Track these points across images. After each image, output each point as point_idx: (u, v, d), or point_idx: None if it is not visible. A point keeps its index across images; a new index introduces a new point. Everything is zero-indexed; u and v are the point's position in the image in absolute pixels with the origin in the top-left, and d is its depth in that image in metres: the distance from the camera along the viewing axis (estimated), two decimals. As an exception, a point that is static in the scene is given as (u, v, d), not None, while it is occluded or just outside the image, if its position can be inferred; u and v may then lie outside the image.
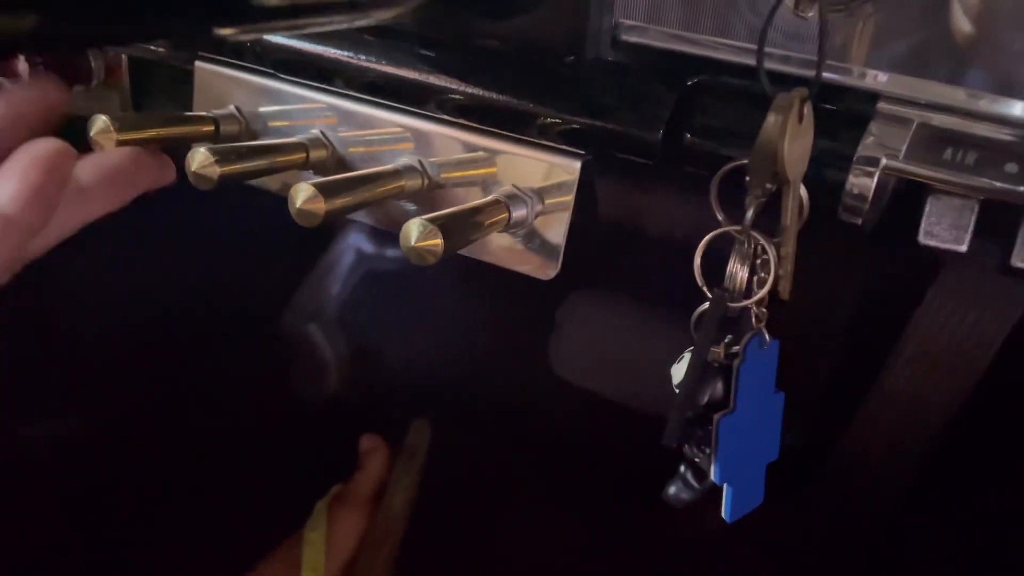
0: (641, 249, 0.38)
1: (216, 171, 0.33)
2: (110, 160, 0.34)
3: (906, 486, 0.56)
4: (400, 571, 0.61)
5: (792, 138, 0.26)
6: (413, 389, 0.70)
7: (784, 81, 0.29)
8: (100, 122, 0.35)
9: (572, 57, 0.33)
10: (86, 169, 0.33)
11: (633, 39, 0.32)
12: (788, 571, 0.60)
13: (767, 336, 0.31)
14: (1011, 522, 0.55)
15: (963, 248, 0.29)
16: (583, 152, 0.35)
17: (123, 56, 0.44)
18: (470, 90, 0.35)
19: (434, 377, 0.70)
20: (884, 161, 0.28)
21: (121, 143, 0.35)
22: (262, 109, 0.40)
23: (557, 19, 0.32)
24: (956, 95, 0.28)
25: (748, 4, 0.30)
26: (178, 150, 0.36)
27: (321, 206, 0.31)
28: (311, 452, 0.67)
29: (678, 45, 0.31)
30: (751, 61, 0.29)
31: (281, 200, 0.39)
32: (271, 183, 0.39)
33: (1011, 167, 0.27)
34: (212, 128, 0.38)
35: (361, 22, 0.32)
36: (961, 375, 0.50)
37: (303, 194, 0.31)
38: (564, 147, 0.35)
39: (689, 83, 0.32)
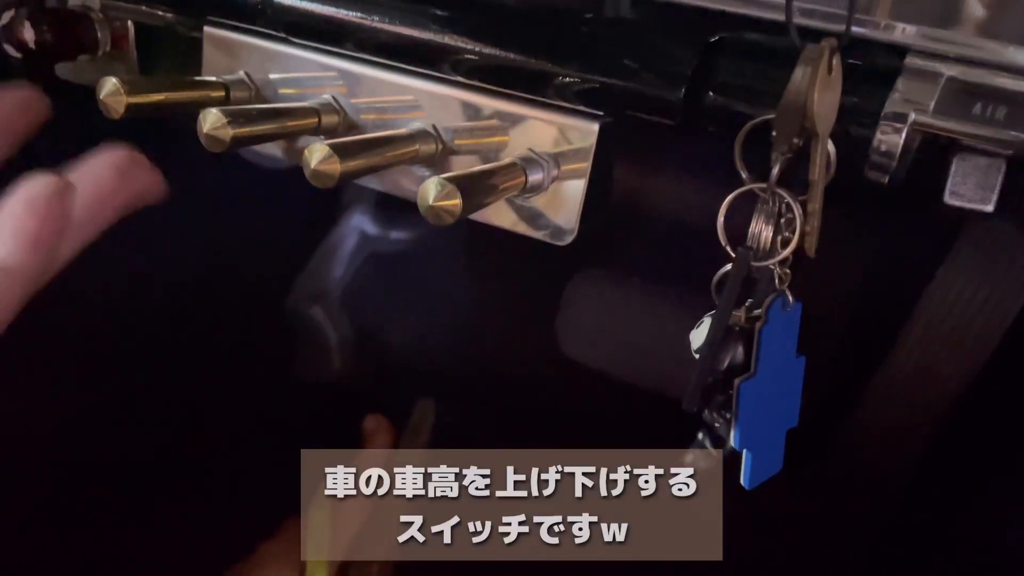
0: (661, 214, 0.37)
1: (229, 133, 0.32)
2: (91, 178, 0.33)
3: (919, 458, 0.56)
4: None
5: (821, 91, 0.26)
6: (418, 369, 0.70)
7: (808, 35, 0.28)
8: (110, 84, 0.34)
9: (590, 15, 0.32)
10: (77, 196, 0.31)
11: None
12: (800, 544, 0.60)
13: (790, 297, 0.30)
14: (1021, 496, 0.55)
15: (990, 208, 0.29)
16: (601, 114, 0.34)
17: (129, 24, 0.43)
18: (485, 50, 0.34)
19: (439, 357, 0.69)
20: (913, 116, 0.27)
21: (131, 106, 0.34)
22: (272, 75, 0.39)
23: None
24: (986, 47, 0.28)
25: (773, -43, 0.29)
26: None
27: (336, 167, 0.31)
28: (315, 432, 0.66)
29: (699, 1, 0.31)
30: (775, 16, 0.28)
31: (285, 183, 0.39)
32: (281, 150, 0.39)
33: (1043, 121, 0.27)
34: (222, 93, 0.38)
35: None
36: (976, 348, 0.49)
37: (318, 154, 0.30)
38: (582, 108, 0.34)
39: (711, 40, 0.31)
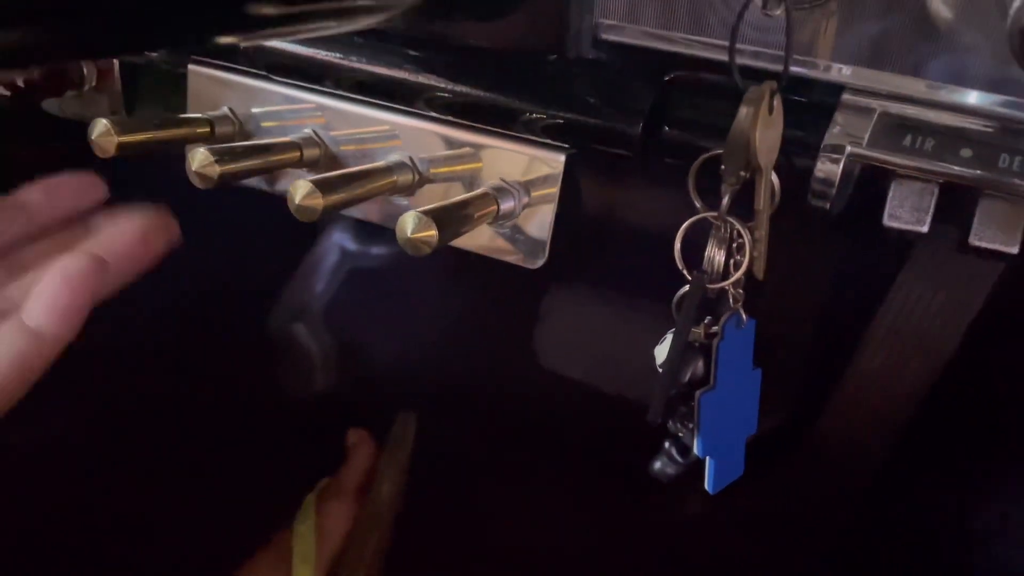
0: (624, 238, 0.39)
1: (216, 170, 0.34)
2: (121, 243, 0.35)
3: (881, 463, 0.59)
4: (390, 560, 0.62)
5: (763, 128, 0.28)
6: (399, 383, 0.72)
7: (756, 75, 0.31)
8: (101, 125, 0.36)
9: (554, 56, 0.35)
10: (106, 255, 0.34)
11: (612, 37, 0.34)
12: (773, 547, 0.62)
13: (744, 316, 0.33)
14: (984, 494, 0.58)
15: (924, 229, 0.32)
16: (567, 146, 0.36)
17: (114, 61, 0.45)
18: (457, 88, 0.37)
19: (419, 370, 0.71)
20: (849, 148, 0.30)
21: (122, 145, 0.36)
22: (255, 110, 0.41)
23: (539, 19, 0.34)
24: (915, 86, 0.31)
25: (722, 2, 0.32)
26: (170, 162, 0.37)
27: (319, 201, 0.32)
28: (299, 447, 0.68)
29: (655, 43, 0.33)
30: (725, 57, 0.31)
31: (266, 202, 0.41)
32: (264, 182, 0.41)
33: (966, 152, 0.30)
34: (207, 130, 0.40)
35: (351, 27, 0.33)
36: (931, 353, 0.52)
37: (302, 190, 0.32)
38: (549, 141, 0.37)
39: (666, 78, 0.34)
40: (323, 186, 0.33)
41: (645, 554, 0.64)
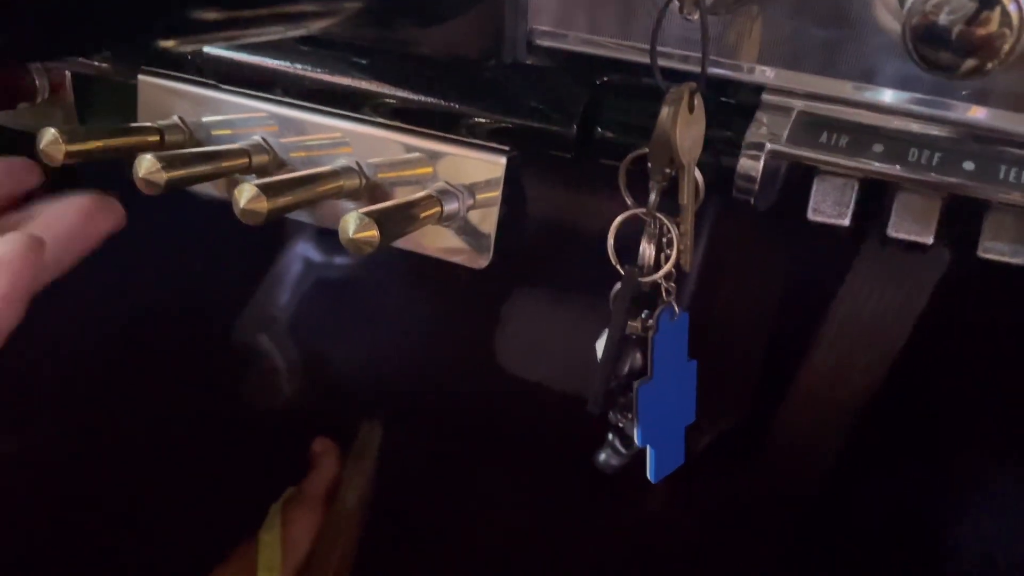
0: (566, 236, 0.41)
1: (163, 177, 0.35)
2: (62, 224, 0.35)
3: (835, 456, 0.60)
4: (356, 569, 0.63)
5: (684, 127, 0.29)
6: (363, 391, 0.72)
7: (684, 77, 0.32)
8: (49, 135, 0.36)
9: (492, 61, 0.36)
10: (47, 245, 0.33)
11: (546, 43, 0.35)
12: (729, 539, 0.63)
13: (676, 308, 0.34)
14: (938, 484, 0.60)
15: (846, 223, 0.33)
16: (508, 148, 0.38)
17: (67, 72, 0.46)
18: (401, 94, 0.38)
19: (383, 378, 0.72)
20: (768, 146, 0.32)
21: (70, 154, 0.37)
22: (205, 119, 0.42)
23: (477, 27, 0.35)
24: (831, 85, 0.32)
25: (647, 9, 0.33)
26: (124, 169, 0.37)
27: (264, 205, 0.33)
28: (264, 456, 0.68)
29: (587, 48, 0.34)
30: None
31: (228, 213, 0.41)
32: (216, 189, 0.41)
33: (878, 147, 0.31)
34: (157, 138, 0.40)
35: (296, 32, 0.34)
36: (880, 347, 0.54)
37: (247, 194, 0.33)
38: (490, 144, 0.38)
39: (598, 82, 0.35)
40: (268, 189, 0.34)
41: (609, 550, 0.65)
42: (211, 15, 0.27)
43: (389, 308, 0.70)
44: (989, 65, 0.26)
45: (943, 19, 0.25)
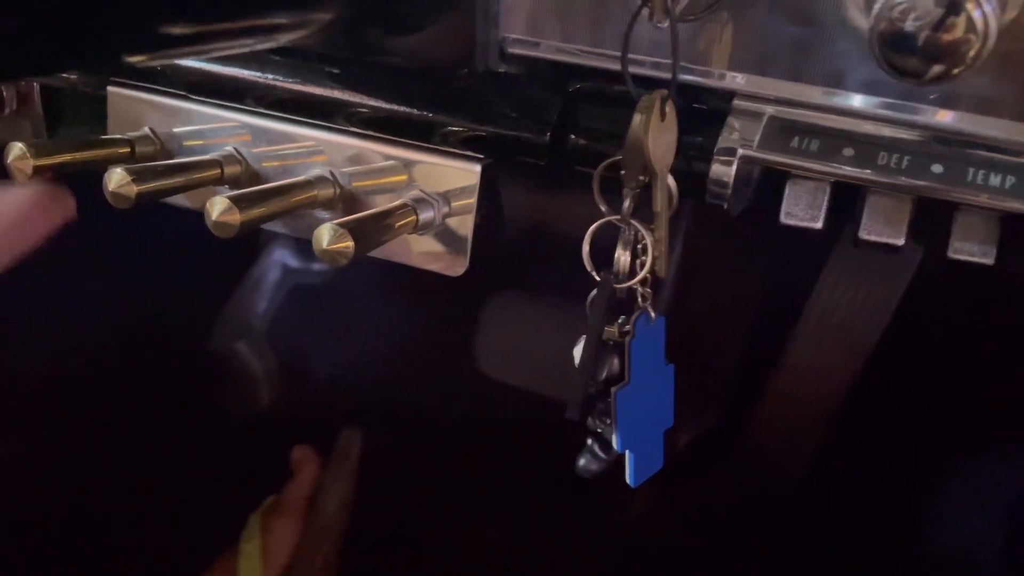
0: (543, 243, 0.41)
1: (133, 190, 0.35)
2: (8, 215, 0.34)
3: (811, 454, 0.61)
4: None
5: (656, 134, 0.30)
6: (342, 398, 0.72)
7: (656, 84, 0.32)
8: (16, 149, 0.36)
9: (465, 70, 0.36)
10: None
11: (518, 51, 0.35)
12: (713, 541, 0.64)
13: (652, 313, 0.34)
14: (913, 480, 0.61)
15: (819, 226, 0.33)
16: (482, 156, 0.38)
17: (35, 84, 0.45)
18: (374, 103, 0.38)
19: (362, 385, 0.72)
20: (740, 151, 0.32)
21: (39, 168, 0.36)
22: (176, 130, 0.41)
23: (449, 35, 0.35)
24: (801, 91, 0.32)
25: (618, 17, 0.33)
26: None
27: (236, 217, 0.33)
28: (244, 465, 0.68)
29: (559, 56, 0.35)
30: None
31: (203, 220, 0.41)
32: (189, 200, 0.41)
33: (848, 151, 0.32)
34: (128, 150, 0.40)
35: (266, 45, 0.34)
36: (855, 347, 0.55)
37: (219, 207, 0.33)
38: (465, 152, 0.38)
39: (571, 89, 0.35)
40: (240, 201, 0.33)
41: (592, 554, 0.65)
42: (181, 31, 0.27)
43: (367, 314, 0.70)
44: (955, 70, 0.26)
45: (909, 25, 0.26)
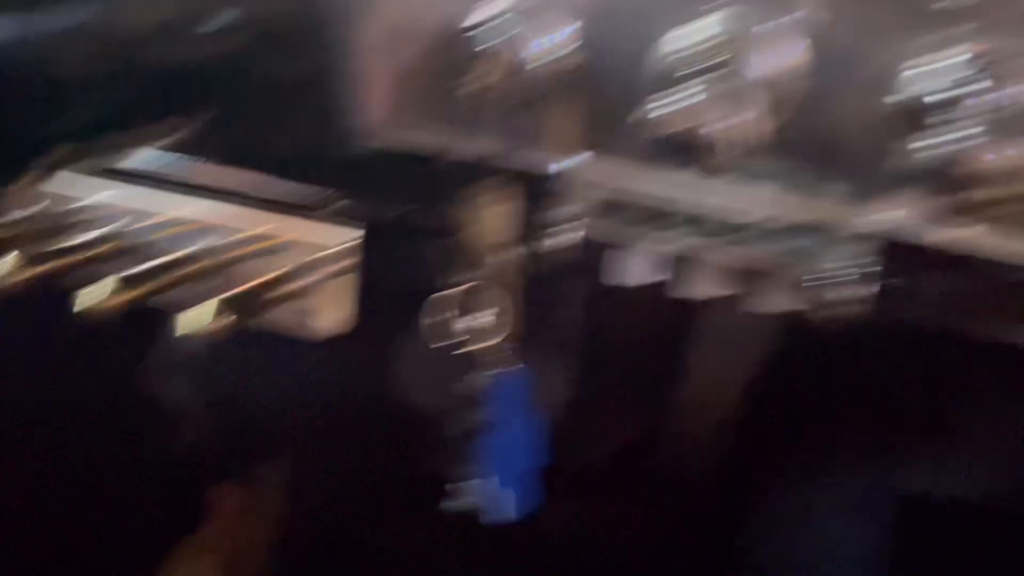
0: (418, 302, 0.44)
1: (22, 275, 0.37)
2: None
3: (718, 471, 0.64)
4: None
5: (497, 212, 0.33)
6: (261, 435, 0.73)
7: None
8: None
9: (339, 147, 0.39)
10: None
11: (384, 132, 0.38)
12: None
13: (514, 365, 0.38)
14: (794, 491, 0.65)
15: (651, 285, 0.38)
16: (360, 224, 0.41)
17: None
18: (250, 177, 0.40)
19: (281, 422, 0.73)
20: (572, 225, 0.36)
21: None
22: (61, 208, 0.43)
23: (320, 117, 0.38)
24: (627, 170, 0.36)
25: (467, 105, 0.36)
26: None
27: (120, 299, 0.35)
28: (161, 506, 0.68)
29: (418, 139, 0.38)
30: (475, 148, 0.36)
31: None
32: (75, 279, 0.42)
33: (675, 222, 0.36)
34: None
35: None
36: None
37: (103, 290, 0.35)
38: (343, 220, 0.41)
39: (434, 165, 0.39)
40: (123, 283, 0.35)
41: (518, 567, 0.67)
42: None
43: (283, 351, 0.71)
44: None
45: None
